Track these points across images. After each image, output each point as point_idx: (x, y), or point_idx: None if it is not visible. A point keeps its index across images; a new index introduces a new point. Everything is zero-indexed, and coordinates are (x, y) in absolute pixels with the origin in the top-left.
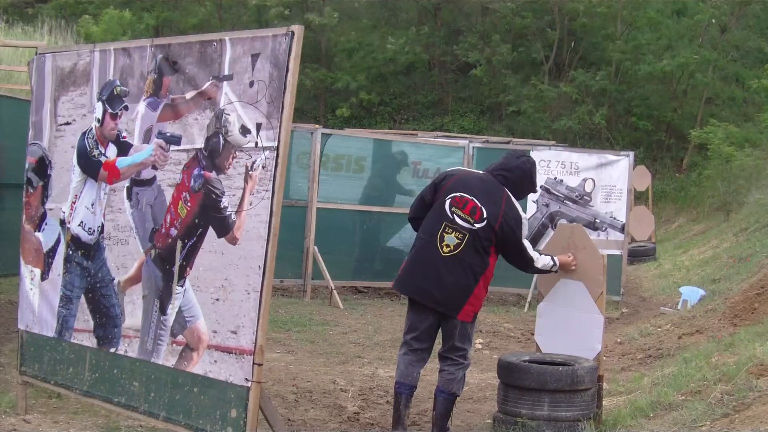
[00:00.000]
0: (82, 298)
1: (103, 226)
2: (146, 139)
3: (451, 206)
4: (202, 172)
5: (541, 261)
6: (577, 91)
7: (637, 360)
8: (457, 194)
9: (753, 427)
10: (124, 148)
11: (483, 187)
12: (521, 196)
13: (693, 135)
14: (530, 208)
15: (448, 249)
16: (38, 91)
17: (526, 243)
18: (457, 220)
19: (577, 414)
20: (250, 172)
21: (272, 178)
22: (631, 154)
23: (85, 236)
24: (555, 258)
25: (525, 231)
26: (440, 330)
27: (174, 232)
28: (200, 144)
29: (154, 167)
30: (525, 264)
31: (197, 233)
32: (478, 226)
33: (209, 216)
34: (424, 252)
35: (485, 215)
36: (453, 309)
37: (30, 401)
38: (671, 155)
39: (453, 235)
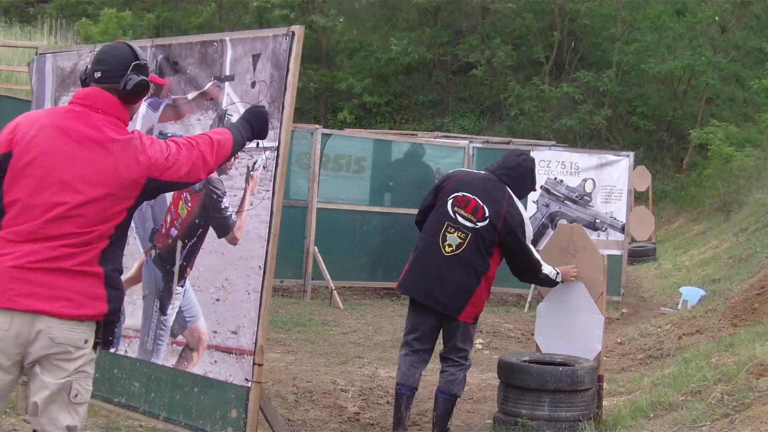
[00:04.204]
0: None
1: None
2: None
3: (453, 206)
4: None
5: (546, 268)
6: (578, 92)
7: (637, 360)
8: (459, 194)
9: (753, 427)
10: None
11: (484, 186)
12: (523, 195)
13: (693, 135)
14: (530, 208)
15: (451, 249)
16: (39, 91)
17: (532, 247)
18: (460, 219)
19: (577, 414)
20: (252, 173)
21: (273, 179)
22: (632, 154)
23: None
24: (557, 268)
25: (528, 233)
26: (441, 331)
27: (174, 232)
28: None
29: None
30: (533, 268)
31: (197, 233)
32: (480, 225)
33: (210, 216)
34: (427, 253)
35: (488, 214)
36: (455, 310)
37: None
38: (671, 155)
39: (455, 234)
